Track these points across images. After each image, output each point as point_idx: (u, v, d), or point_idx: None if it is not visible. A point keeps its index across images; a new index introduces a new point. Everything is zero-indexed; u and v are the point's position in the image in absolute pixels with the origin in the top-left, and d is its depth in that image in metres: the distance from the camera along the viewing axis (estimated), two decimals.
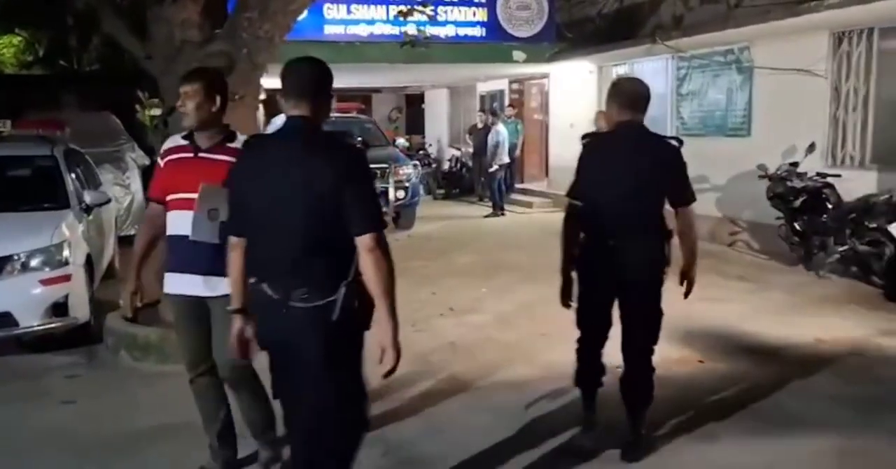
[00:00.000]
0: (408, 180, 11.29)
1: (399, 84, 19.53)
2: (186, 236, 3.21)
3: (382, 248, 2.53)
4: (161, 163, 3.44)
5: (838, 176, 7.66)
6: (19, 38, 23.45)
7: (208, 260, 3.19)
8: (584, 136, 3.93)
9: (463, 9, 12.08)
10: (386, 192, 10.66)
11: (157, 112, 5.48)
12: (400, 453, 3.77)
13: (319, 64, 2.76)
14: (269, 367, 2.81)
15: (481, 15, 12.20)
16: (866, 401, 4.34)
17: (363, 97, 21.03)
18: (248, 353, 2.87)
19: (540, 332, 5.65)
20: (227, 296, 3.05)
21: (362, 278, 2.55)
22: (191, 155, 3.32)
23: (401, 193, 11.06)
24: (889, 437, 3.85)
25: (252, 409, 3.50)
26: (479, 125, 14.37)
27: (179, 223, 3.25)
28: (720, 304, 6.43)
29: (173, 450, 3.86)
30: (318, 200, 2.52)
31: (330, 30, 11.57)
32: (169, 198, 3.34)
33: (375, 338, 2.57)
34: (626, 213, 3.58)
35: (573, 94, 13.19)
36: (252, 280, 2.68)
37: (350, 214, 2.51)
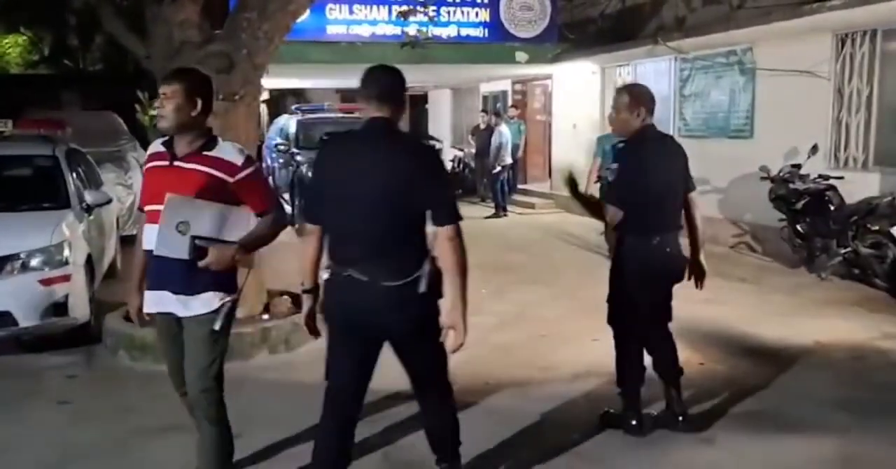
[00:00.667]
0: None
1: None
2: None
3: (460, 237, 2.92)
4: (144, 170, 3.28)
5: (841, 178, 7.63)
6: (24, 38, 23.50)
7: (181, 278, 3.03)
8: (620, 142, 3.91)
9: (465, 9, 12.08)
10: None
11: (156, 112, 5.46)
12: (400, 455, 3.76)
13: (398, 72, 3.04)
14: (336, 347, 3.02)
15: (484, 15, 12.19)
16: (866, 404, 4.31)
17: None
18: (317, 331, 3.12)
19: (540, 333, 5.64)
20: (201, 315, 3.07)
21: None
22: (166, 163, 3.10)
23: None
24: (889, 442, 3.83)
25: (212, 441, 3.24)
26: (482, 126, 14.35)
27: (153, 237, 3.04)
28: (722, 306, 6.41)
29: (168, 450, 3.85)
30: (405, 193, 2.85)
31: (332, 30, 11.59)
32: (146, 208, 3.16)
33: (446, 316, 2.93)
34: (668, 211, 3.83)
35: (576, 94, 13.17)
36: (335, 266, 2.94)
37: (433, 208, 2.89)
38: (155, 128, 5.48)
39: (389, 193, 2.85)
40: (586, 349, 5.04)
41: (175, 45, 5.38)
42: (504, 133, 13.07)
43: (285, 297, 5.95)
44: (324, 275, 3.02)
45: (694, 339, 5.55)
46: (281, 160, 12.46)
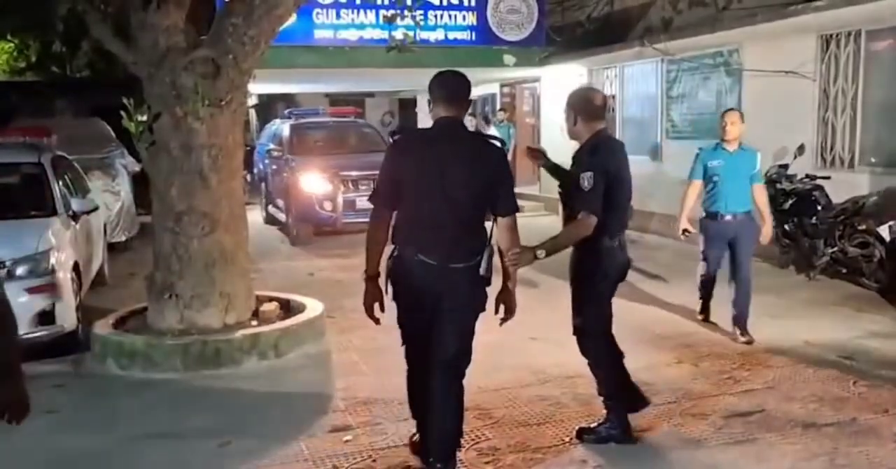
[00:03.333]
0: None
1: (391, 88, 19.53)
2: None
3: (516, 226, 3.30)
4: None
5: (827, 178, 7.67)
6: (10, 45, 23.36)
7: None
8: (592, 149, 3.81)
9: (453, 13, 12.08)
10: None
11: (143, 118, 5.44)
12: (391, 459, 3.75)
13: (464, 76, 3.36)
14: (407, 316, 3.30)
15: (471, 19, 12.20)
16: (854, 404, 4.33)
17: (356, 101, 21.02)
18: (377, 319, 3.35)
19: (529, 335, 5.64)
20: None
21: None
22: None
23: None
24: (876, 440, 3.84)
25: None
26: (471, 129, 14.29)
27: None
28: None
29: (156, 459, 3.83)
30: (481, 186, 3.21)
31: (320, 35, 11.58)
32: None
33: (503, 292, 3.37)
34: (627, 211, 3.89)
35: (564, 97, 13.14)
36: (403, 250, 3.23)
37: (499, 200, 3.26)
38: (142, 134, 5.46)
39: (468, 186, 3.17)
40: (575, 351, 5.03)
41: (161, 50, 5.36)
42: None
43: (274, 302, 5.94)
44: (387, 260, 3.30)
45: (683, 340, 5.57)
46: (274, 166, 12.04)
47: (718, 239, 5.66)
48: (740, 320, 5.59)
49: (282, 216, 11.53)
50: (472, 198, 3.20)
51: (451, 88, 3.31)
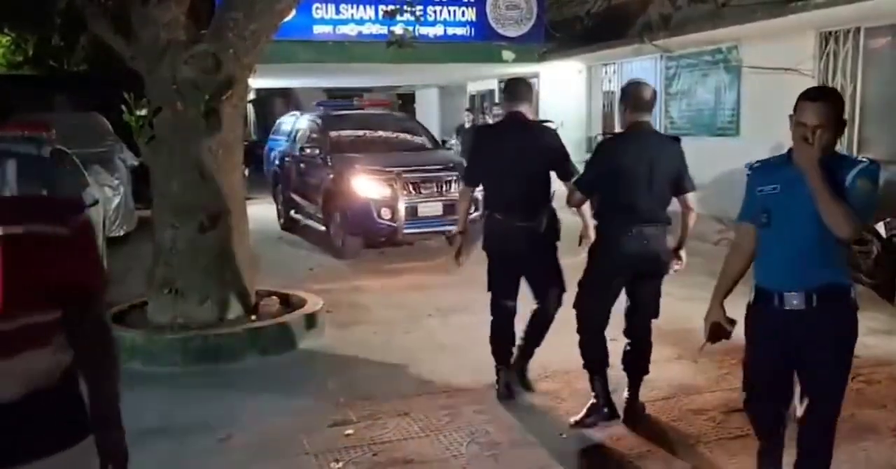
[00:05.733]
0: None
1: (390, 84, 19.52)
2: None
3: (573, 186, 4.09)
4: None
5: None
6: (8, 38, 23.30)
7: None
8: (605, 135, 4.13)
9: (452, 8, 12.08)
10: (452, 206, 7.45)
11: (143, 113, 5.43)
12: (392, 453, 3.76)
13: (526, 82, 4.48)
14: (492, 264, 4.34)
15: (470, 14, 12.21)
16: (852, 399, 4.33)
17: (355, 97, 20.97)
18: (460, 263, 4.50)
19: None
20: None
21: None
22: None
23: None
24: (874, 436, 3.87)
25: None
26: (467, 125, 14.27)
27: None
28: (706, 304, 6.42)
29: (152, 455, 3.83)
30: (542, 163, 4.25)
31: (319, 29, 11.58)
32: None
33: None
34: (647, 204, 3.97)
35: (563, 93, 13.20)
36: (488, 211, 4.32)
37: (561, 168, 4.29)
38: (142, 129, 5.45)
39: (535, 163, 4.19)
40: (576, 346, 5.04)
41: (161, 45, 5.36)
42: None
43: (274, 297, 5.94)
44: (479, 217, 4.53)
45: (682, 336, 5.58)
46: (303, 165, 10.20)
47: (769, 336, 2.93)
48: None
49: (312, 224, 9.99)
50: (535, 170, 4.20)
51: (517, 91, 4.33)
